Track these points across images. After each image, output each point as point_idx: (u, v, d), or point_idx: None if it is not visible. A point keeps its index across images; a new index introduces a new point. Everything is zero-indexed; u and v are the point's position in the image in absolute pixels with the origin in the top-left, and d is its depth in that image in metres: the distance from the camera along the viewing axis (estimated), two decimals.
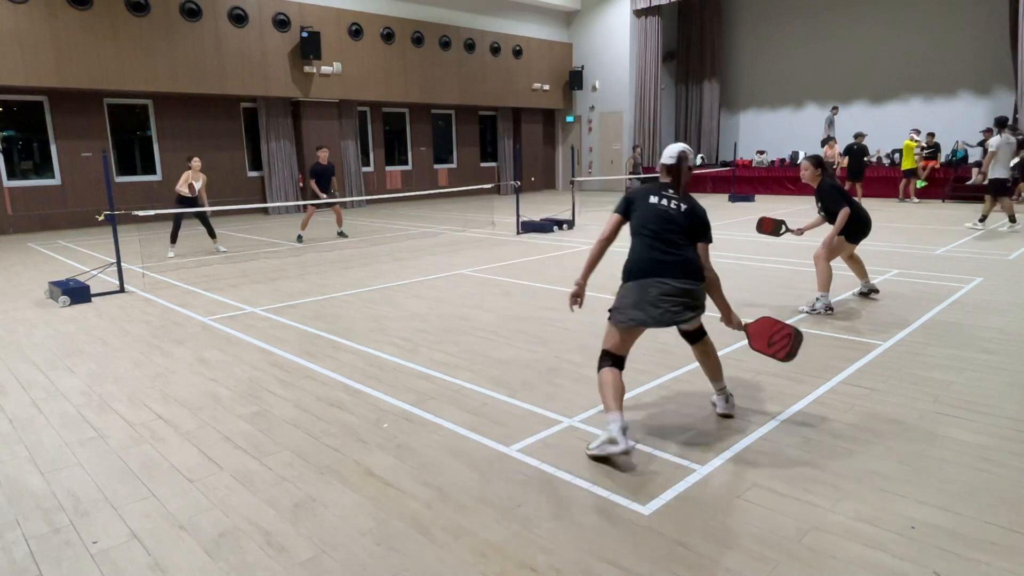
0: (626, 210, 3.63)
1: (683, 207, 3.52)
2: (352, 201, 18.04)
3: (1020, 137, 13.34)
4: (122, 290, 7.56)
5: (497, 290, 7.16)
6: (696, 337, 3.68)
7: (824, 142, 16.63)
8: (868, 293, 6.42)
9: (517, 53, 21.19)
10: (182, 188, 9.80)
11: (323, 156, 11.40)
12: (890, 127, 18.73)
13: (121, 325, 6.12)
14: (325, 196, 11.34)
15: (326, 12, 16.63)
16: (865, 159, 15.53)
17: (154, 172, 15.54)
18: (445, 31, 19.20)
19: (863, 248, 9.32)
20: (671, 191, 3.58)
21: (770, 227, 6.40)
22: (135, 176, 15.33)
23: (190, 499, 2.97)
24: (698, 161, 21.60)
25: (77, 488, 3.10)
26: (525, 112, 22.32)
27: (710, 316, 3.81)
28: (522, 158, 21.74)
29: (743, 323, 3.75)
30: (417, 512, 2.81)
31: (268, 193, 16.81)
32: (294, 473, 3.19)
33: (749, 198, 17.52)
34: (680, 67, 23.36)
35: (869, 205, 14.93)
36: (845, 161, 17.95)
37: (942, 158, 16.40)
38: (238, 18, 15.16)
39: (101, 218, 8.07)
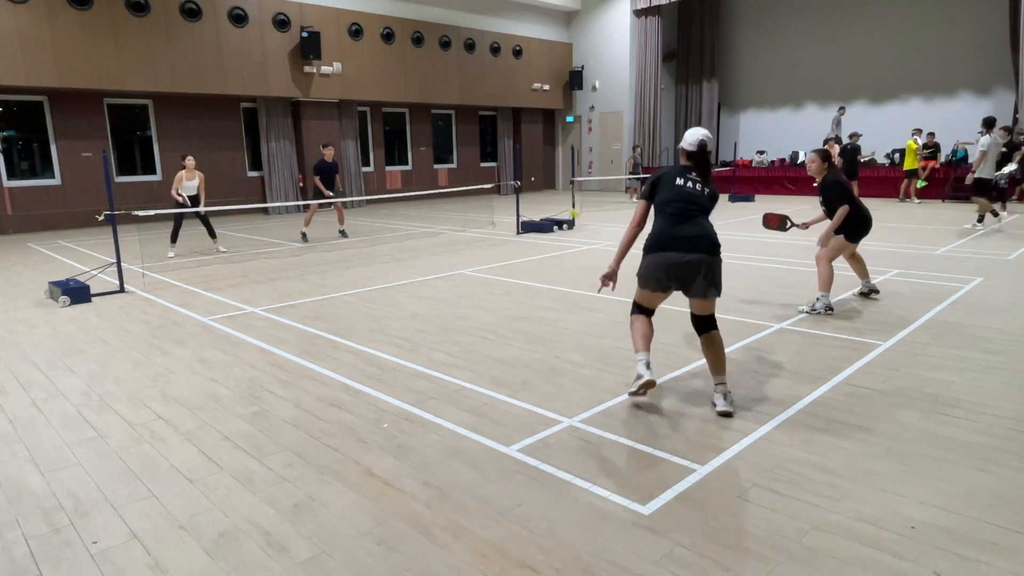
0: (651, 194, 3.93)
1: (706, 190, 3.86)
2: (352, 201, 18.04)
3: (1021, 139, 13.36)
4: (122, 290, 7.56)
5: (497, 290, 7.16)
6: (706, 327, 3.85)
7: (826, 141, 16.60)
8: (868, 293, 6.42)
9: (517, 53, 21.19)
10: (178, 195, 9.75)
11: (328, 154, 11.37)
12: (890, 127, 18.74)
13: (121, 325, 6.12)
14: (331, 194, 11.34)
15: (326, 12, 16.63)
16: (858, 158, 15.52)
17: (154, 172, 15.54)
18: (445, 31, 19.20)
19: (864, 248, 9.33)
20: (693, 174, 3.88)
21: (776, 223, 6.37)
22: (135, 176, 15.33)
23: (190, 499, 2.97)
24: None
25: (77, 488, 3.10)
26: (525, 112, 22.32)
27: (723, 318, 3.81)
28: (522, 158, 21.73)
29: None
30: (417, 512, 2.81)
31: (268, 193, 16.82)
32: (294, 473, 3.19)
33: (749, 198, 17.52)
34: (680, 67, 23.36)
35: (872, 205, 14.97)
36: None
37: (942, 158, 16.40)
38: (238, 18, 15.16)
39: (101, 218, 8.07)
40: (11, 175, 13.85)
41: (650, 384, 3.71)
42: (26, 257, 10.49)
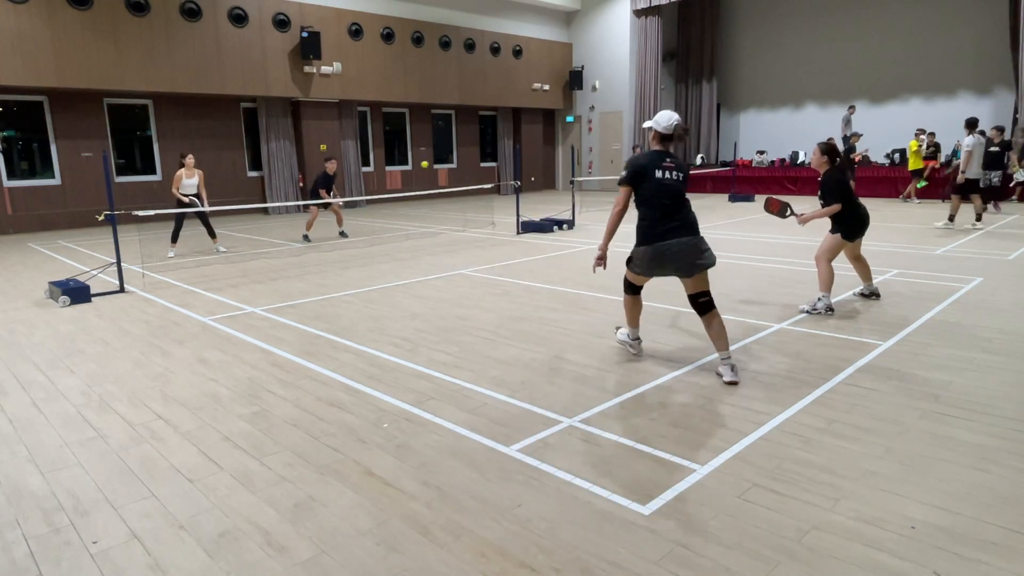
0: (636, 181, 4.22)
1: (680, 176, 4.24)
2: (352, 201, 18.03)
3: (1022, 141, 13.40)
4: (122, 290, 7.56)
5: (497, 290, 7.16)
6: (706, 308, 4.24)
7: (845, 139, 16.51)
8: (869, 295, 6.42)
9: (517, 53, 21.19)
10: (184, 191, 9.78)
11: (331, 167, 11.37)
12: (890, 127, 18.73)
13: (121, 325, 6.12)
14: (329, 197, 11.35)
15: (326, 12, 16.63)
16: (851, 156, 15.45)
17: (154, 172, 15.54)
18: (445, 31, 19.20)
19: (864, 247, 9.32)
20: (668, 160, 4.22)
21: (777, 207, 6.33)
22: (135, 176, 15.33)
23: (190, 499, 2.97)
24: (698, 161, 21.61)
25: (77, 488, 3.10)
26: (525, 112, 22.32)
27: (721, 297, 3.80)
28: (522, 158, 21.74)
29: None
30: (417, 512, 2.81)
31: (268, 193, 16.81)
32: (294, 473, 3.19)
33: (749, 198, 17.53)
34: (680, 67, 23.36)
35: (872, 205, 14.96)
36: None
37: (942, 158, 16.40)
38: (238, 18, 15.16)
39: (101, 218, 8.07)
40: (11, 175, 13.85)
41: (635, 354, 4.69)
42: (26, 257, 10.49)
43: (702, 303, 4.22)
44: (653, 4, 20.52)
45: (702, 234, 4.25)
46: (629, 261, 4.41)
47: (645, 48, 21.30)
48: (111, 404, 4.14)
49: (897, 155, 17.46)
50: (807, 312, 5.86)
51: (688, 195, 4.28)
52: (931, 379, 4.19)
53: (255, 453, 3.41)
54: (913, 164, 15.65)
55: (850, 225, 5.87)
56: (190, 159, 9.89)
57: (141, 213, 8.35)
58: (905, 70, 18.74)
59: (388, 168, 19.75)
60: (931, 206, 15.10)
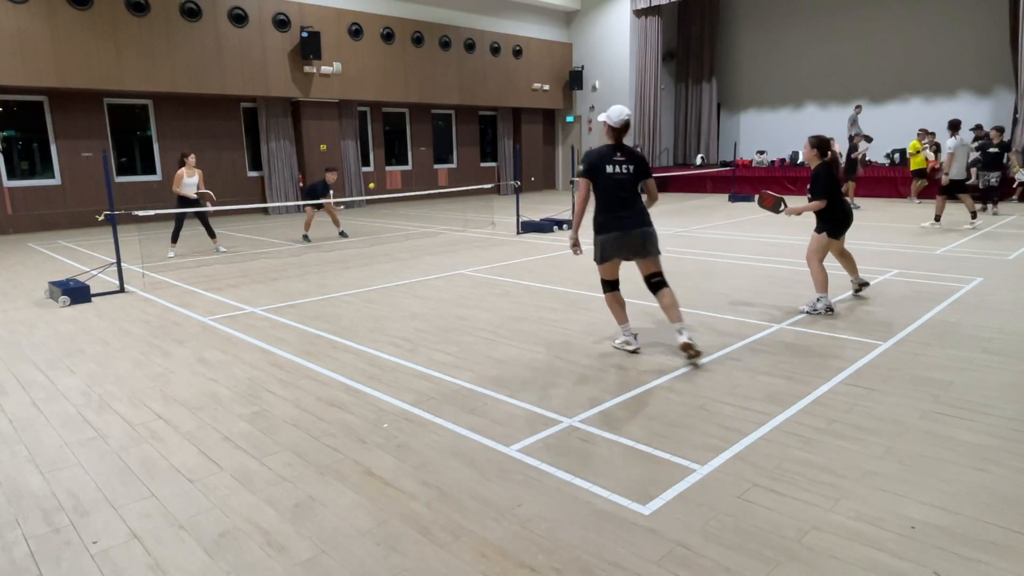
0: (591, 175, 4.62)
1: (630, 168, 4.60)
2: (352, 201, 18.04)
3: (979, 142, 13.48)
4: (122, 290, 7.56)
5: (497, 290, 7.16)
6: (659, 286, 4.71)
7: (851, 138, 16.33)
8: (860, 288, 6.47)
9: (517, 53, 21.19)
10: (185, 190, 9.78)
11: (331, 178, 11.37)
12: (890, 127, 18.72)
13: (121, 325, 6.12)
14: (321, 198, 11.38)
15: (326, 12, 16.63)
16: (852, 156, 15.14)
17: (154, 172, 15.54)
18: (445, 31, 19.20)
19: (864, 247, 9.32)
20: (620, 154, 4.60)
21: (770, 202, 6.36)
22: (135, 176, 15.33)
23: (190, 499, 2.97)
24: (698, 161, 21.62)
25: (77, 488, 3.10)
26: (525, 112, 22.32)
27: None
28: (522, 158, 21.73)
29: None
30: (417, 512, 2.81)
31: (268, 193, 16.82)
32: (294, 473, 3.19)
33: (749, 198, 17.52)
34: (680, 67, 23.36)
35: (872, 205, 14.94)
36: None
37: (942, 158, 16.37)
38: (238, 18, 15.16)
39: (101, 218, 8.07)
40: (11, 175, 13.85)
41: (635, 351, 4.82)
42: (26, 257, 10.49)
43: (655, 282, 4.71)
44: (653, 4, 20.52)
45: (653, 224, 4.71)
46: (595, 256, 4.79)
47: (645, 48, 21.29)
48: (111, 404, 4.14)
49: (897, 155, 17.46)
50: (808, 312, 5.86)
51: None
52: (931, 379, 4.19)
53: (255, 453, 3.41)
54: (915, 164, 15.62)
55: (835, 223, 5.89)
56: (191, 158, 9.90)
57: (141, 213, 8.36)
58: (905, 70, 18.74)
59: (388, 168, 19.75)
60: (931, 206, 15.08)
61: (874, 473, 3.03)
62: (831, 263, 6.43)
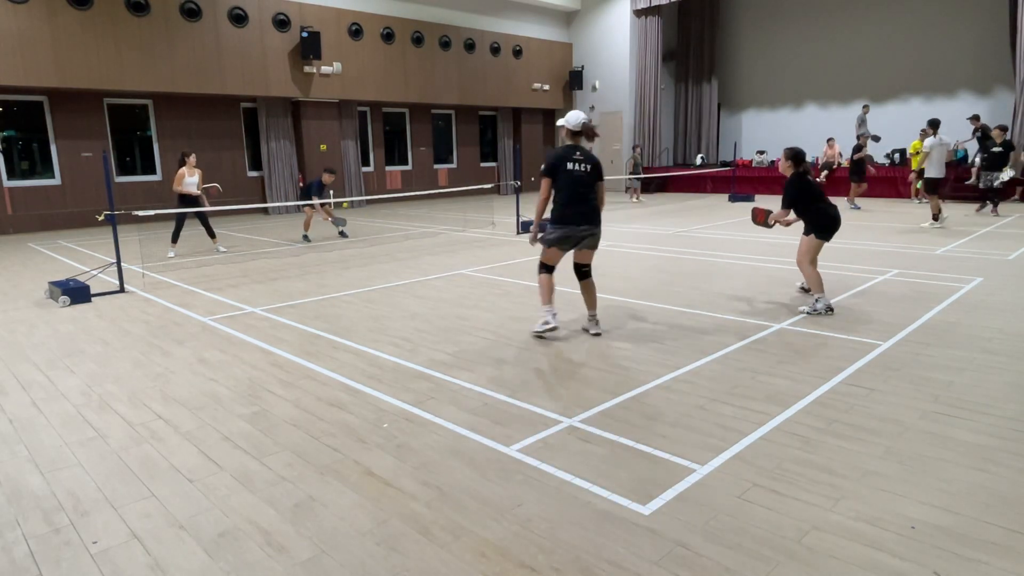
0: (552, 173, 5.08)
1: (588, 167, 5.09)
2: (352, 201, 18.04)
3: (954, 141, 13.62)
4: (122, 290, 7.56)
5: (497, 290, 7.16)
6: (585, 275, 5.36)
7: (857, 139, 16.18)
8: (809, 289, 6.47)
9: (517, 53, 21.18)
10: (186, 188, 9.79)
11: (327, 179, 11.38)
12: (890, 127, 18.72)
13: (121, 325, 6.12)
14: (316, 198, 11.38)
15: (326, 12, 16.63)
16: (855, 157, 14.94)
17: (154, 172, 15.54)
18: (445, 31, 19.20)
19: (864, 247, 9.33)
20: (579, 153, 5.09)
21: (763, 217, 6.52)
22: (135, 176, 15.33)
23: (190, 499, 2.97)
24: (698, 161, 21.61)
25: (77, 488, 3.10)
26: (525, 112, 22.31)
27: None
28: (522, 158, 21.73)
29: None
30: (417, 512, 2.81)
31: (268, 193, 16.81)
32: (294, 473, 3.19)
33: (749, 198, 17.53)
34: (680, 67, 23.35)
35: (872, 205, 14.93)
36: (846, 161, 17.87)
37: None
38: (238, 18, 15.16)
39: (101, 218, 8.07)
40: (11, 175, 13.84)
41: (554, 328, 5.23)
42: (26, 257, 10.49)
43: (584, 271, 5.35)
44: (653, 4, 20.52)
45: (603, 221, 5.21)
46: (544, 242, 5.23)
47: (645, 48, 21.29)
48: (111, 404, 4.14)
49: (897, 155, 17.45)
50: (807, 313, 5.86)
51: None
52: (931, 379, 4.19)
53: (255, 453, 3.41)
54: (916, 164, 15.57)
55: (821, 225, 5.97)
56: (192, 158, 9.91)
57: (141, 213, 8.35)
58: (905, 70, 18.74)
59: (388, 168, 19.75)
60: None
61: (874, 473, 3.03)
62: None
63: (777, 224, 6.30)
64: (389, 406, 3.99)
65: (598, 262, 8.80)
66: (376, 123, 19.24)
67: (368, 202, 18.95)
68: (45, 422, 3.89)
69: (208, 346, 5.36)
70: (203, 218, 10.22)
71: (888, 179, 17.16)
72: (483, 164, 22.28)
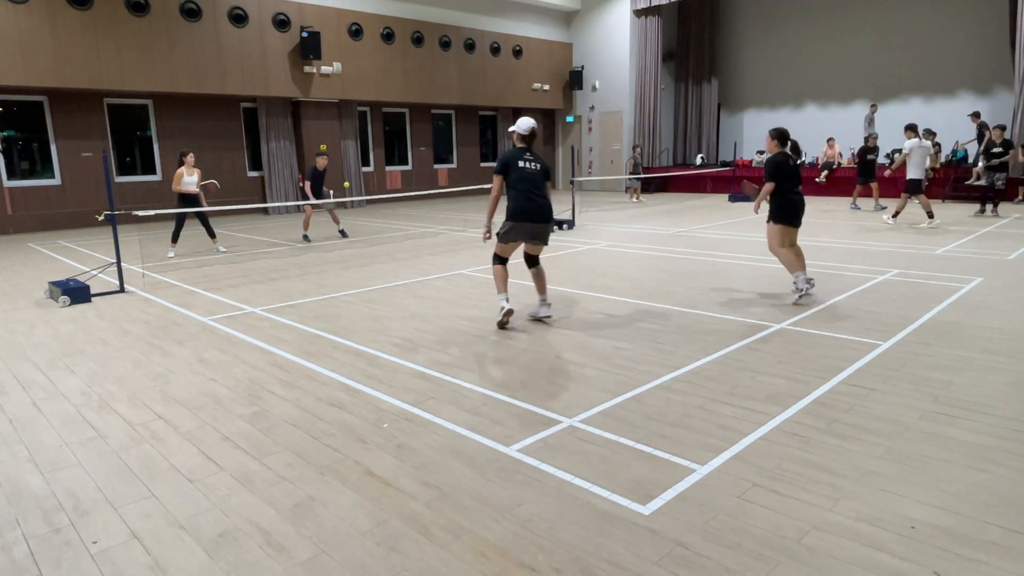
0: (505, 171, 5.44)
1: (539, 166, 5.49)
2: (352, 201, 18.05)
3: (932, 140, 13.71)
4: (122, 290, 7.56)
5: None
6: (535, 263, 5.76)
7: (865, 139, 15.98)
8: (799, 294, 6.51)
9: (517, 53, 21.18)
10: (185, 187, 9.79)
11: (321, 163, 11.42)
12: (890, 127, 18.71)
13: (121, 325, 6.12)
14: (314, 199, 11.39)
15: (326, 12, 16.63)
16: (869, 158, 14.62)
17: (154, 172, 15.54)
18: (445, 31, 19.20)
19: (865, 247, 9.32)
20: (529, 154, 5.50)
21: (752, 190, 6.72)
22: (135, 176, 15.33)
23: (190, 499, 2.97)
24: (698, 161, 21.61)
25: (77, 488, 3.10)
26: (525, 112, 22.31)
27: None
28: None
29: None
30: (417, 512, 2.81)
31: (268, 193, 16.82)
32: (294, 473, 3.19)
33: (749, 198, 17.49)
34: (680, 67, 23.36)
35: (872, 205, 14.93)
36: (846, 161, 17.88)
37: (942, 158, 16.38)
38: (238, 18, 15.16)
39: (101, 218, 8.07)
40: (11, 175, 13.84)
41: (511, 311, 5.54)
42: (26, 257, 10.49)
43: (533, 259, 5.76)
44: (653, 4, 20.52)
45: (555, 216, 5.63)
46: (500, 236, 5.54)
47: (645, 48, 21.29)
48: (111, 404, 4.14)
49: (897, 155, 17.41)
50: (797, 295, 6.18)
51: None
52: (931, 379, 4.19)
53: (255, 453, 3.41)
54: None
55: (780, 210, 6.23)
56: (190, 157, 9.92)
57: (141, 213, 8.36)
58: (905, 70, 18.75)
59: (388, 168, 19.74)
60: (933, 206, 15.08)
61: (874, 473, 3.03)
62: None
63: (755, 197, 6.51)
64: (389, 406, 3.99)
65: (598, 262, 8.81)
66: (376, 123, 19.25)
67: (368, 202, 18.95)
68: (45, 422, 3.89)
69: (208, 346, 5.36)
70: (203, 218, 10.22)
71: (888, 179, 17.12)
72: (483, 164, 22.28)
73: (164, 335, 5.73)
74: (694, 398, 3.98)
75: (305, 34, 15.86)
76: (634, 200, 18.32)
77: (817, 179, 18.19)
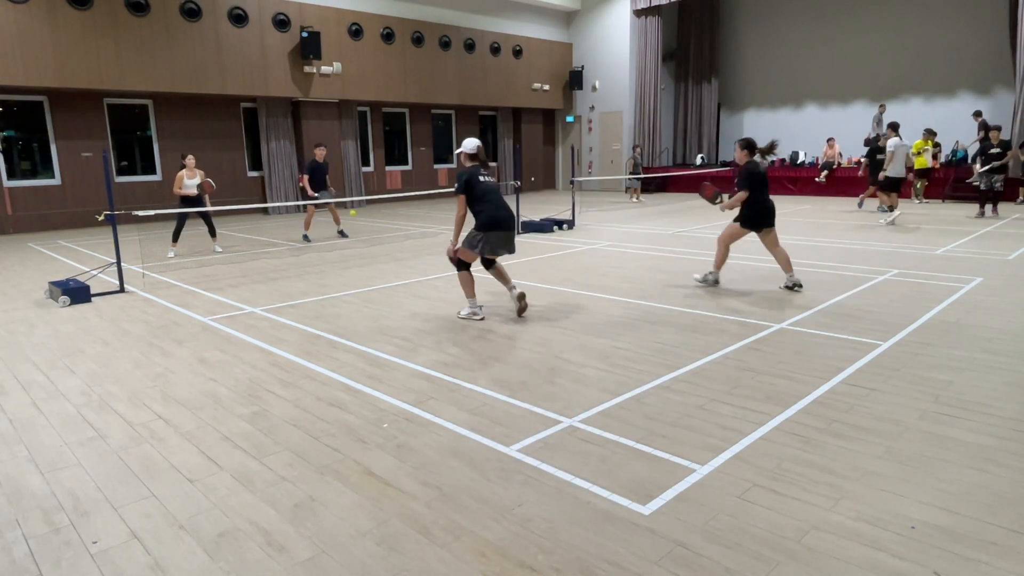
0: (467, 189, 5.67)
1: (494, 180, 5.81)
2: (352, 201, 18.04)
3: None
4: (122, 290, 7.56)
5: (497, 290, 7.15)
6: (491, 264, 5.95)
7: (875, 140, 15.78)
8: (792, 287, 6.73)
9: (517, 53, 21.18)
10: (186, 190, 9.81)
11: (320, 154, 11.42)
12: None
13: (121, 325, 6.12)
14: (316, 195, 11.38)
15: (326, 12, 16.63)
16: (879, 157, 13.62)
17: (154, 172, 15.54)
18: (445, 31, 19.20)
19: (865, 247, 9.32)
20: (483, 170, 5.78)
21: (710, 192, 7.08)
22: (135, 176, 15.33)
23: (190, 499, 2.97)
24: (698, 161, 21.61)
25: (77, 488, 3.10)
26: (525, 112, 22.32)
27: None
28: (522, 158, 21.73)
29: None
30: (417, 512, 2.81)
31: (268, 193, 16.82)
32: (294, 473, 3.19)
33: (710, 200, 17.45)
34: (680, 67, 23.36)
35: (872, 204, 14.93)
36: (846, 161, 17.86)
37: (942, 158, 16.37)
38: (238, 18, 15.16)
39: (101, 218, 8.07)
40: (11, 175, 13.84)
41: (481, 319, 5.88)
42: (26, 257, 10.49)
43: (491, 261, 5.93)
44: (653, 4, 20.52)
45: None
46: (471, 244, 5.74)
47: (645, 48, 21.30)
48: (111, 404, 4.14)
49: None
50: (697, 281, 6.96)
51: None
52: (931, 379, 4.19)
53: (255, 453, 3.41)
54: (918, 164, 15.54)
55: (749, 216, 6.63)
56: (191, 159, 9.93)
57: (141, 213, 8.36)
58: (905, 70, 18.75)
59: (388, 168, 19.75)
60: (931, 206, 15.10)
61: (874, 473, 3.03)
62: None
63: (721, 207, 6.91)
64: (389, 406, 3.99)
65: (597, 262, 8.81)
66: (376, 123, 19.24)
67: (368, 202, 18.95)
68: (45, 422, 3.89)
69: (208, 346, 5.36)
70: (206, 217, 10.26)
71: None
72: None
73: (164, 335, 5.73)
74: (694, 398, 3.98)
75: (305, 34, 15.86)
76: (634, 200, 18.32)
77: (817, 179, 18.20)
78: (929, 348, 4.81)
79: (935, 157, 15.98)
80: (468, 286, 5.95)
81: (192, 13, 14.48)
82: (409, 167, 20.20)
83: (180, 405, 4.10)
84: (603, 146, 22.72)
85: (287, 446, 3.48)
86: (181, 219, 10.10)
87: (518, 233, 11.97)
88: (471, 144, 5.82)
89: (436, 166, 20.88)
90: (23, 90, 13.49)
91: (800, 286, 6.76)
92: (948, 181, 16.06)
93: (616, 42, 21.61)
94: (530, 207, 16.41)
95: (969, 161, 16.07)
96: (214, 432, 3.68)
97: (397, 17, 18.12)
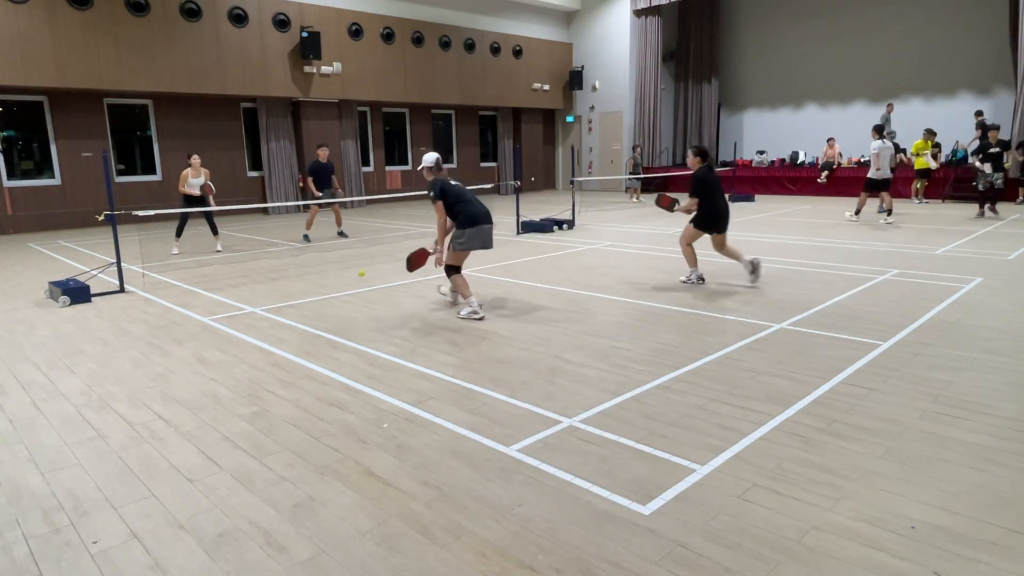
0: (444, 195, 5.91)
1: (461, 184, 6.11)
2: (352, 201, 18.04)
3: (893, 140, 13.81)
4: (122, 290, 7.56)
5: (496, 290, 7.16)
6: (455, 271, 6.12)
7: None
8: (752, 269, 6.96)
9: (517, 53, 21.18)
10: (189, 189, 9.85)
11: (322, 154, 11.44)
12: (893, 127, 18.72)
13: (121, 325, 6.12)
14: (320, 195, 11.38)
15: (326, 12, 16.63)
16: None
17: (154, 172, 15.54)
18: (445, 31, 19.20)
19: (865, 246, 9.32)
20: (450, 178, 6.04)
21: (667, 203, 7.31)
22: (135, 176, 15.33)
23: (190, 499, 2.97)
24: None
25: (77, 488, 3.10)
26: (525, 112, 22.31)
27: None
28: (522, 158, 21.73)
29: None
30: (417, 512, 2.81)
31: (268, 193, 16.81)
32: (294, 473, 3.19)
33: (749, 198, 17.52)
34: (680, 67, 23.36)
35: (871, 205, 14.92)
36: (848, 161, 17.83)
37: (942, 158, 16.37)
38: (238, 18, 15.16)
39: (101, 218, 8.07)
40: (11, 175, 13.84)
41: (481, 319, 5.90)
42: (26, 257, 10.49)
43: (456, 268, 6.10)
44: (653, 4, 20.52)
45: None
46: (458, 245, 5.95)
47: (645, 48, 21.29)
48: (111, 404, 4.14)
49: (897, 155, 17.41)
50: (683, 282, 7.13)
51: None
52: (931, 379, 4.19)
53: (255, 453, 3.41)
54: (918, 164, 15.53)
55: (702, 218, 6.93)
56: (196, 159, 9.98)
57: (141, 213, 8.35)
58: (905, 70, 18.75)
59: (388, 168, 19.74)
60: (931, 206, 15.10)
61: (874, 473, 3.03)
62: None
63: (679, 211, 7.15)
64: (389, 406, 3.99)
65: (597, 262, 8.81)
66: (376, 123, 19.24)
67: (368, 202, 18.95)
68: (45, 422, 3.89)
69: (208, 346, 5.36)
70: (208, 217, 10.30)
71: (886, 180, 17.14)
72: (483, 164, 22.29)
73: (164, 335, 5.73)
74: (694, 398, 3.98)
75: (305, 34, 15.86)
76: (634, 200, 18.32)
77: (818, 179, 18.20)
78: (929, 348, 4.81)
79: (935, 157, 15.97)
80: (463, 287, 6.03)
81: (192, 13, 14.48)
82: (409, 167, 20.19)
83: (180, 405, 4.10)
84: (603, 146, 22.72)
85: (287, 446, 3.48)
86: (184, 216, 10.15)
87: (518, 233, 11.98)
88: (431, 158, 6.05)
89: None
90: (23, 90, 13.49)
91: (756, 264, 6.92)
92: (948, 181, 16.06)
93: (616, 42, 21.60)
94: (530, 207, 16.41)
95: (969, 160, 16.06)
96: (214, 432, 3.68)
97: (397, 17, 18.12)
